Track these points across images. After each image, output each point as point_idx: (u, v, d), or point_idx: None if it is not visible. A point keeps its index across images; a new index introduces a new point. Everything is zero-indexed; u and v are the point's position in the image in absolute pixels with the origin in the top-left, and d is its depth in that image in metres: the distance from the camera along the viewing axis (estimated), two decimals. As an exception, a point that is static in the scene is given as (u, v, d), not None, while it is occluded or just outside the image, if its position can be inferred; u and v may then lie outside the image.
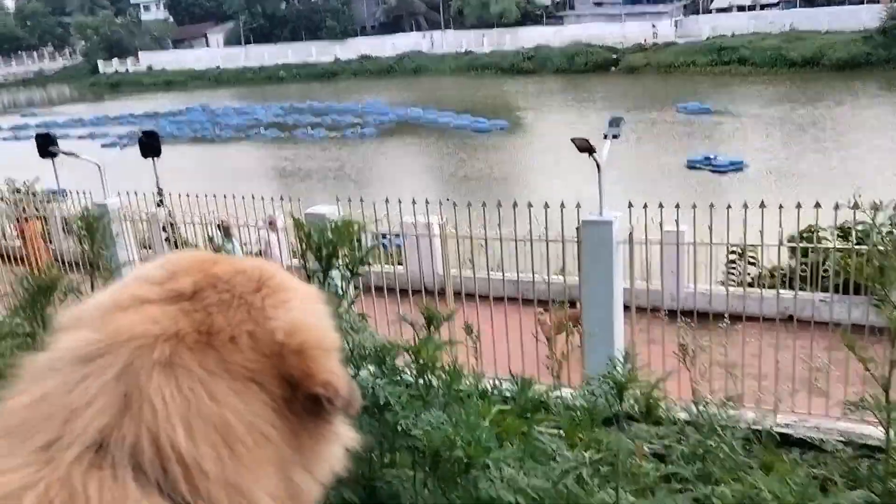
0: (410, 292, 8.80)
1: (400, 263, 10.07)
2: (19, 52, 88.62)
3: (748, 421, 1.91)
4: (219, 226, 10.82)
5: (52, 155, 13.12)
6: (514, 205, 7.99)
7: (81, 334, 0.91)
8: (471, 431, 1.69)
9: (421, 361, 2.23)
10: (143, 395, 0.85)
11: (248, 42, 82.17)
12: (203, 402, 0.88)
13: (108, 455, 0.81)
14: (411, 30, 77.35)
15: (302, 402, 1.01)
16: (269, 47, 76.45)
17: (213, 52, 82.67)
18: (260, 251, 11.13)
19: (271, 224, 10.96)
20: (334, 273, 1.95)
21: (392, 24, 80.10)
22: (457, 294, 9.08)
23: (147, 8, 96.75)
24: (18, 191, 17.60)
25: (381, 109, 47.20)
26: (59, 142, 13.54)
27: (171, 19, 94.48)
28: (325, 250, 1.86)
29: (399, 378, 2.23)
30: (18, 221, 12.80)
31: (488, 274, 8.60)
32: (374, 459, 2.05)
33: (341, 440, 1.16)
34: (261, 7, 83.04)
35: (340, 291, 2.04)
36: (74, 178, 12.76)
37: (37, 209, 12.79)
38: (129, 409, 0.84)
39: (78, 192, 11.55)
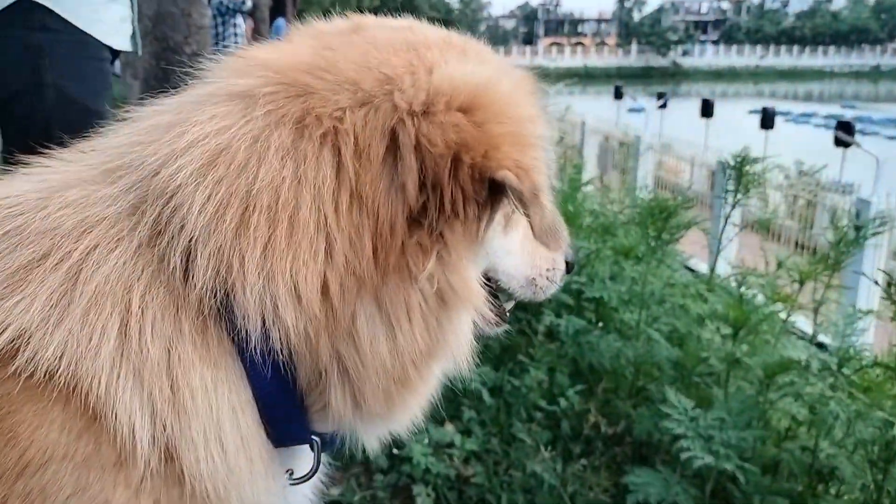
0: None
1: None
2: (863, 44, 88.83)
3: None
4: None
5: (845, 145, 12.80)
6: None
7: None
8: None
9: None
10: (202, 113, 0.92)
11: None
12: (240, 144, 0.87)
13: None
14: None
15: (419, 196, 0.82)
16: None
17: None
18: None
19: None
20: None
21: None
22: None
23: None
24: (804, 173, 18.02)
25: None
26: (866, 138, 13.13)
27: None
28: None
29: None
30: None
31: None
32: None
33: (470, 300, 0.81)
34: None
35: None
36: (864, 173, 12.22)
37: (808, 192, 12.89)
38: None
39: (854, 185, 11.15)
